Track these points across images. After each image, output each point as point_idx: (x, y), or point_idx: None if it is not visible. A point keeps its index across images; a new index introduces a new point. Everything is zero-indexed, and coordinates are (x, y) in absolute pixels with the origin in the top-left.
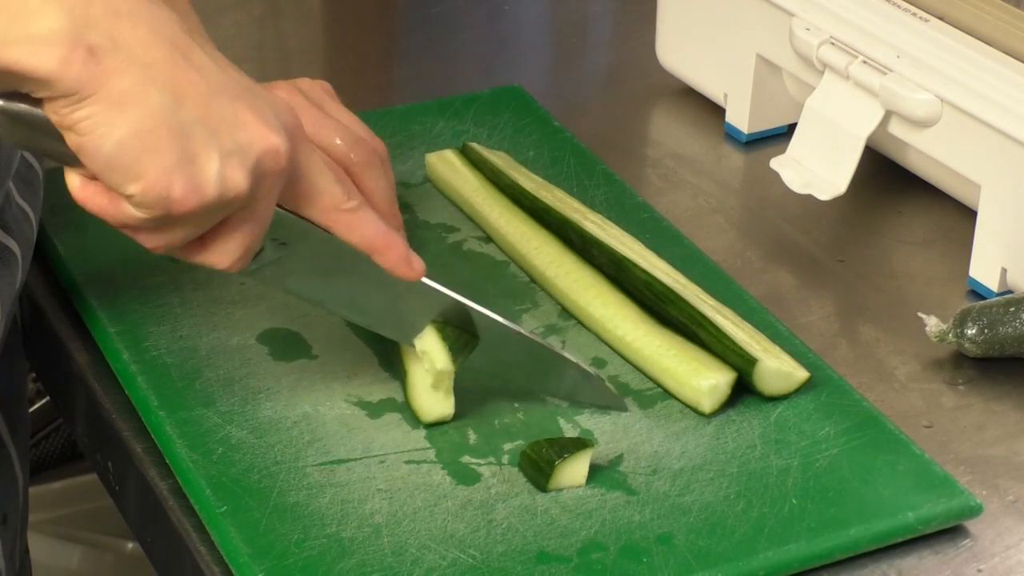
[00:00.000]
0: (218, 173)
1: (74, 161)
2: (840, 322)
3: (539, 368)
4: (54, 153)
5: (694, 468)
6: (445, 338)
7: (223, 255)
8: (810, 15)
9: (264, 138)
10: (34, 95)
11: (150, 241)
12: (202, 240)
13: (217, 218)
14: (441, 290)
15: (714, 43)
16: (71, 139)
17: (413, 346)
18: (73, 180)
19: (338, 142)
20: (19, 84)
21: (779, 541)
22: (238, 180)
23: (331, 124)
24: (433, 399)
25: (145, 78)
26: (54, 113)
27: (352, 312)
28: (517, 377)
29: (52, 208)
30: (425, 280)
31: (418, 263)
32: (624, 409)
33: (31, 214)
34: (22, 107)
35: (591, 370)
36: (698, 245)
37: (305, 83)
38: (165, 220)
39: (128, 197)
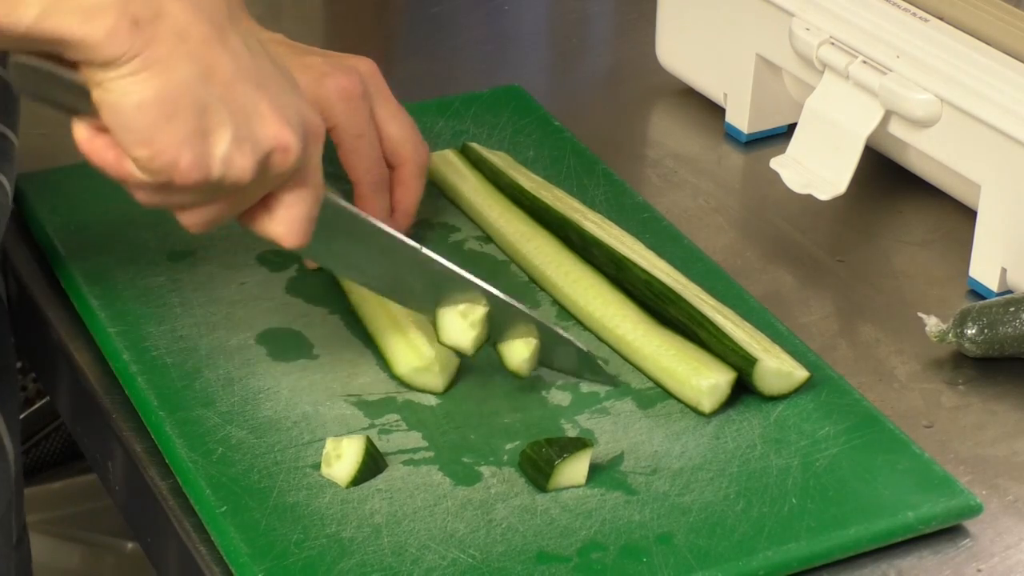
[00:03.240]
0: (226, 155)
1: (86, 112)
2: (840, 322)
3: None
4: (66, 105)
5: (694, 468)
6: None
7: (194, 219)
8: (810, 15)
9: (278, 134)
10: (71, 59)
11: (146, 198)
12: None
13: (216, 198)
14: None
15: (714, 43)
16: (96, 94)
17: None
18: (81, 131)
19: (362, 165)
20: (60, 49)
21: (779, 541)
22: (243, 167)
23: (363, 145)
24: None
25: (178, 50)
26: (85, 70)
27: (352, 273)
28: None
29: (52, 208)
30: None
31: None
32: (609, 382)
33: (6, 183)
34: (48, 65)
35: (580, 344)
36: (698, 245)
37: (365, 67)
38: (166, 187)
39: (134, 159)
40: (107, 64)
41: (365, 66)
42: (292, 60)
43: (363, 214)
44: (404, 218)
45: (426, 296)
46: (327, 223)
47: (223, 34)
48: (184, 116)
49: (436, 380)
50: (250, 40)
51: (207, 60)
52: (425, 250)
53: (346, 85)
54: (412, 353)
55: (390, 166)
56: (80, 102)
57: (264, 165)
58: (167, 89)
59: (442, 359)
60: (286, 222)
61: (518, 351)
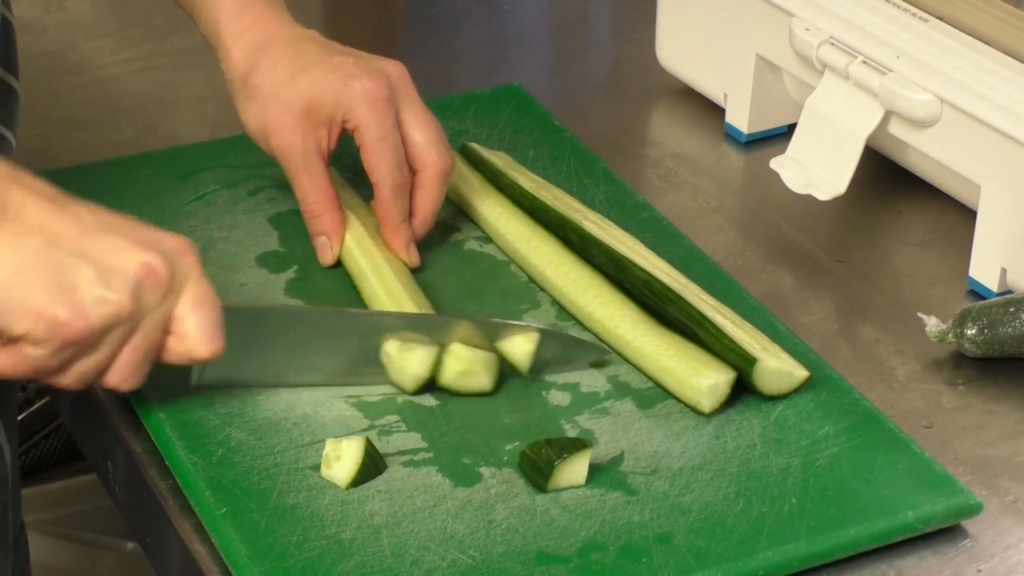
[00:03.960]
0: (99, 296)
1: None
2: (840, 322)
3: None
4: None
5: (694, 468)
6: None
7: (118, 375)
8: (810, 15)
9: (141, 259)
10: None
11: (65, 380)
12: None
13: (112, 340)
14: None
15: (714, 43)
16: None
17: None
18: None
19: (383, 168)
20: None
21: (779, 541)
22: (118, 301)
23: (386, 148)
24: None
25: (21, 229)
26: None
27: (302, 373)
28: None
29: None
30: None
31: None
32: (597, 355)
33: (9, 136)
34: None
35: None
36: (698, 245)
37: (394, 70)
38: (63, 350)
39: (23, 335)
40: None
41: (394, 69)
42: (321, 58)
43: (279, 306)
44: (422, 224)
45: (371, 358)
46: (249, 329)
47: (64, 205)
48: (46, 280)
49: (483, 379)
50: (89, 207)
51: (49, 227)
52: (350, 311)
53: (371, 87)
54: (451, 359)
55: (413, 171)
56: None
57: (139, 291)
58: (21, 263)
59: (482, 359)
60: (193, 333)
61: (520, 346)
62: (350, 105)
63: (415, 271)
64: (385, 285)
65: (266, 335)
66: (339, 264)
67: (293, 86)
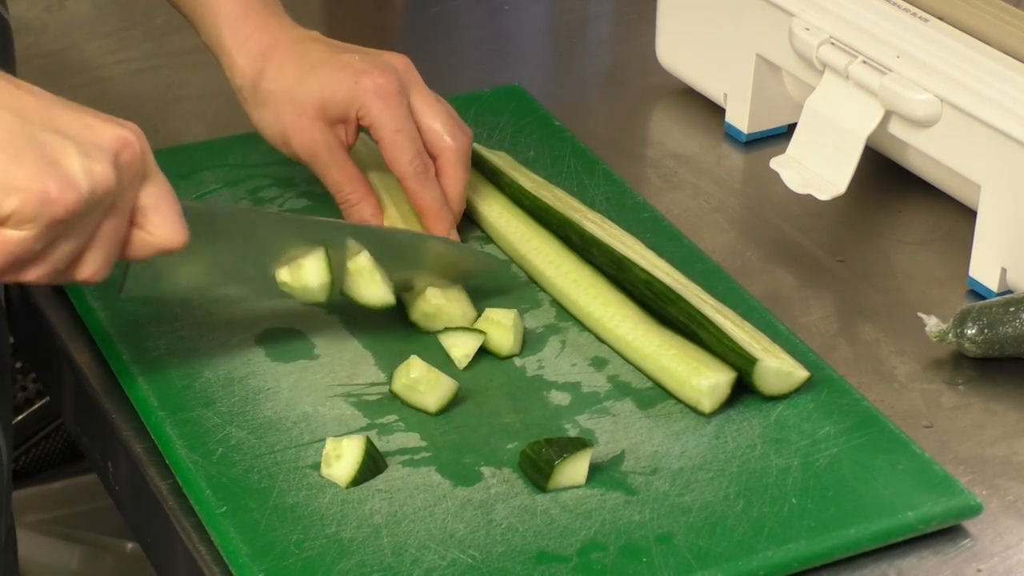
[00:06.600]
0: (83, 167)
1: None
2: (840, 322)
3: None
4: None
5: (694, 468)
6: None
7: (91, 266)
8: (810, 15)
9: (115, 132)
10: None
11: (40, 271)
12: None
13: (92, 221)
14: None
15: (714, 43)
16: None
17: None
18: None
19: (403, 159)
20: None
21: (779, 541)
22: (105, 172)
23: (402, 139)
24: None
25: None
26: None
27: (226, 282)
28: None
29: None
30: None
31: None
32: (494, 267)
33: None
34: None
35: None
36: (698, 245)
37: (400, 63)
38: (51, 230)
39: (9, 218)
40: None
41: (399, 62)
42: (328, 57)
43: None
44: (453, 205)
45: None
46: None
47: (16, 84)
48: (26, 154)
49: (424, 399)
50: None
51: (14, 104)
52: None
53: (382, 83)
54: (404, 370)
55: (432, 157)
56: None
57: (118, 163)
58: None
59: (431, 379)
60: (161, 224)
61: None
62: (363, 102)
63: None
64: None
65: (203, 235)
66: None
67: (304, 87)
